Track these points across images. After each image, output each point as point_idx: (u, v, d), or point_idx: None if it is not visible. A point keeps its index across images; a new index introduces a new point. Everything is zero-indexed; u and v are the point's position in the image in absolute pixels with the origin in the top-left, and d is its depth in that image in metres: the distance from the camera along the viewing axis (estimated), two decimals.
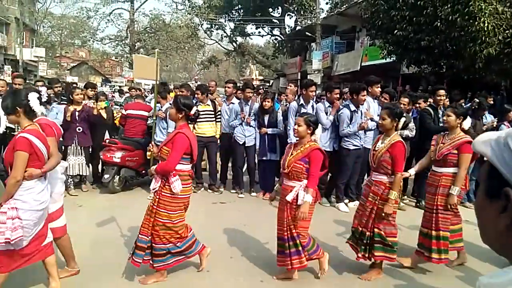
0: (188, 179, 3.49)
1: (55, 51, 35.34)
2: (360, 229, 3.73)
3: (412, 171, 4.11)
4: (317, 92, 11.85)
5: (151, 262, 3.46)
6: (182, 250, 3.51)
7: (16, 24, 28.06)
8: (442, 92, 6.24)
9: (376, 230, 3.65)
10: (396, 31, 9.86)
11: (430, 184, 3.97)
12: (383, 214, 3.58)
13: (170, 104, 6.38)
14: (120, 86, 24.04)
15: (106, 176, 6.28)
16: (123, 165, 6.32)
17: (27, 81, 7.17)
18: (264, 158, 6.48)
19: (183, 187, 3.38)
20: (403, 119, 3.66)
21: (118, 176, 6.37)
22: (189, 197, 3.53)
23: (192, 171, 3.63)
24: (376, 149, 3.71)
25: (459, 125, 3.87)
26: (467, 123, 3.94)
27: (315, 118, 3.68)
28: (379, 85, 6.22)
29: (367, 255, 3.72)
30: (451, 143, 3.83)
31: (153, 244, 3.41)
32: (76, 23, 33.08)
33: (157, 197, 3.39)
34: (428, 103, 6.56)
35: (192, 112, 3.48)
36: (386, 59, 12.02)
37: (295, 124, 3.58)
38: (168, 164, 3.32)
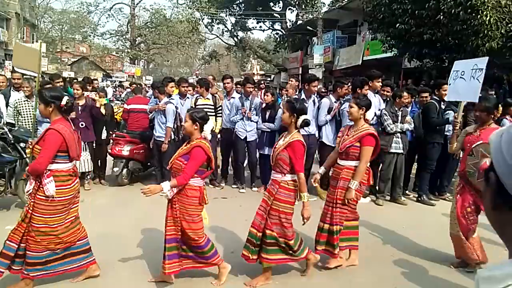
0: (68, 179, 3.18)
1: (55, 46, 35.28)
2: (254, 231, 3.46)
3: (321, 169, 3.99)
4: (319, 86, 11.83)
5: (24, 272, 3.12)
6: (63, 255, 3.24)
7: (17, 19, 28.04)
8: (446, 86, 6.20)
9: (267, 231, 3.38)
10: (398, 24, 9.79)
11: (333, 177, 3.83)
12: (279, 215, 3.36)
13: (168, 98, 6.40)
14: (120, 81, 24.02)
15: (115, 169, 6.48)
16: (131, 158, 6.54)
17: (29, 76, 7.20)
18: (262, 152, 6.48)
19: (59, 189, 3.09)
20: (303, 117, 3.35)
21: (126, 169, 6.57)
22: (70, 199, 3.21)
23: (76, 169, 3.33)
24: (276, 146, 3.49)
25: (362, 117, 3.73)
26: (370, 114, 3.79)
27: (203, 113, 3.39)
28: (380, 79, 6.20)
29: (255, 257, 3.47)
30: (354, 135, 3.72)
31: (27, 252, 3.10)
32: (76, 18, 32.99)
33: (32, 200, 3.09)
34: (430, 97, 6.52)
35: (63, 102, 3.16)
36: (387, 53, 11.96)
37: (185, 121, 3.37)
38: (37, 164, 3.02)
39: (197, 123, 3.28)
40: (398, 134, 5.84)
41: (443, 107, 6.08)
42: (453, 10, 8.33)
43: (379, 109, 6.01)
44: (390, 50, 11.52)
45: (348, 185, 3.65)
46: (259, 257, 3.48)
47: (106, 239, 4.32)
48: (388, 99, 6.34)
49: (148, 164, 7.00)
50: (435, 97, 6.14)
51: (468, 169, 3.64)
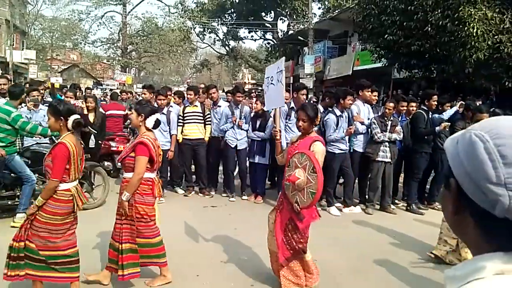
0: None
1: (46, 54, 35.02)
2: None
3: None
4: (309, 96, 11.90)
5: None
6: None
7: (7, 26, 27.79)
8: (435, 97, 6.34)
9: (27, 243, 3.00)
10: (386, 35, 9.94)
11: (120, 192, 3.42)
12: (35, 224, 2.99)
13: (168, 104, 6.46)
14: (111, 89, 23.89)
15: (107, 163, 7.22)
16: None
17: (17, 83, 7.24)
18: (251, 161, 6.48)
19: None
20: (73, 117, 3.05)
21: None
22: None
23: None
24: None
25: (142, 124, 3.39)
26: (150, 121, 3.39)
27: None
28: (369, 89, 6.27)
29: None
30: (130, 145, 3.48)
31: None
32: (67, 26, 32.78)
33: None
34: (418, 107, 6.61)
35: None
36: (376, 63, 12.11)
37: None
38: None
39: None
40: (386, 143, 5.88)
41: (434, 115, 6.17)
42: (440, 22, 8.49)
43: (368, 118, 6.07)
44: (379, 61, 11.67)
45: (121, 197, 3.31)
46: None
47: (97, 246, 4.25)
48: (373, 106, 6.46)
49: None
50: (423, 107, 6.22)
51: (285, 181, 3.27)
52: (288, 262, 3.31)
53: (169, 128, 6.26)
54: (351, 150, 6.07)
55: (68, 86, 9.38)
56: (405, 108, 6.41)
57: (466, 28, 7.97)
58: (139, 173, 3.25)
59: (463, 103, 6.75)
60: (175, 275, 3.69)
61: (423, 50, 9.42)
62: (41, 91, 6.94)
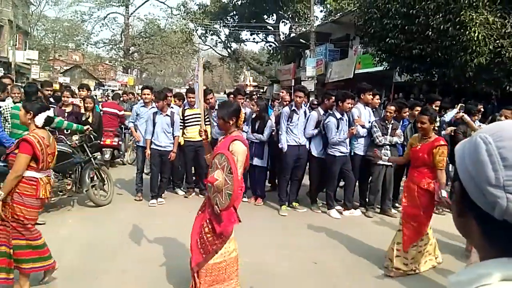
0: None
1: (48, 54, 35.10)
2: None
3: None
4: (311, 99, 11.92)
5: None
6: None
7: (9, 26, 27.89)
8: (438, 102, 6.38)
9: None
10: (388, 39, 9.97)
11: None
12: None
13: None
14: (113, 90, 23.92)
15: (106, 156, 8.00)
16: (116, 147, 8.38)
17: (20, 83, 7.39)
18: (250, 163, 6.46)
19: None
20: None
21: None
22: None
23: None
24: None
25: (32, 122, 3.29)
26: (39, 119, 3.28)
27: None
28: (371, 93, 6.27)
29: None
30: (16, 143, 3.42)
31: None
32: (70, 27, 32.86)
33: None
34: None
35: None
36: (378, 67, 12.11)
37: None
38: None
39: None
40: (387, 147, 5.88)
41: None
42: (442, 26, 8.51)
43: (369, 122, 6.07)
44: (380, 64, 11.68)
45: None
46: None
47: (91, 247, 4.26)
48: (375, 109, 6.46)
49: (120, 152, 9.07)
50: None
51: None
52: (199, 268, 3.14)
53: (172, 130, 6.25)
54: (352, 153, 6.07)
55: (77, 87, 9.54)
56: (407, 113, 6.40)
57: (467, 32, 7.99)
58: (16, 170, 3.11)
59: (463, 105, 6.76)
60: (175, 276, 3.70)
61: (424, 54, 9.44)
62: (48, 92, 6.99)
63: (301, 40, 23.43)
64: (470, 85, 9.35)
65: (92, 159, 5.83)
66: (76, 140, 5.71)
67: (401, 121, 6.37)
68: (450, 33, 8.40)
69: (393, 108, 5.99)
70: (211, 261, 3.10)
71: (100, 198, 5.92)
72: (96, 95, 17.88)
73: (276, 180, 7.02)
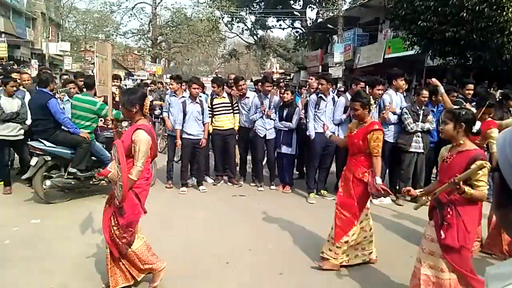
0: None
1: (79, 45, 36.06)
2: None
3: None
4: (338, 85, 11.74)
5: None
6: None
7: (42, 19, 28.78)
8: (471, 86, 6.14)
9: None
10: (420, 22, 9.65)
11: None
12: None
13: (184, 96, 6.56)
14: (142, 80, 24.35)
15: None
16: None
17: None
18: (278, 151, 6.48)
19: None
20: None
21: None
22: None
23: None
24: None
25: None
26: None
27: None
28: (402, 78, 6.11)
29: None
30: None
31: None
32: (100, 18, 33.62)
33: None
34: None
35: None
36: (409, 51, 11.78)
37: None
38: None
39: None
40: (419, 134, 5.74)
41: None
42: (477, 7, 8.16)
43: (400, 108, 5.93)
44: (412, 48, 11.35)
45: None
46: None
47: None
48: (405, 94, 6.30)
49: None
50: (460, 96, 6.02)
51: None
52: (124, 258, 3.12)
53: (203, 117, 6.31)
54: None
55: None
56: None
57: (504, 13, 7.64)
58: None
59: (500, 91, 6.49)
60: (205, 263, 3.79)
61: (458, 37, 9.09)
62: (81, 84, 7.23)
63: (328, 25, 23.01)
64: (506, 68, 8.96)
65: None
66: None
67: (436, 106, 6.18)
68: (486, 14, 8.04)
69: (426, 92, 5.82)
70: (133, 248, 3.09)
71: None
72: (125, 85, 18.25)
73: (304, 168, 7.01)
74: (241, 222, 4.93)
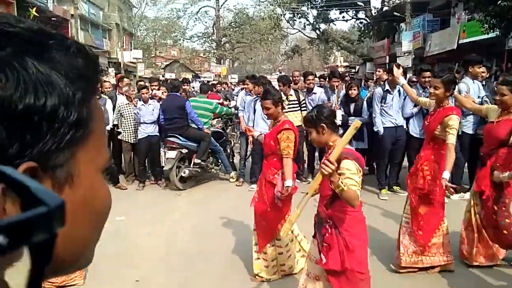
0: None
1: (150, 52, 38.18)
2: None
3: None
4: (408, 75, 11.21)
5: None
6: None
7: (117, 29, 30.89)
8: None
9: None
10: (499, 1, 8.89)
11: None
12: None
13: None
14: (208, 81, 25.22)
15: None
16: None
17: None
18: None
19: None
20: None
21: None
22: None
23: None
24: None
25: None
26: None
27: None
28: (481, 65, 5.70)
29: None
30: None
31: None
32: (167, 24, 35.31)
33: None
34: None
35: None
36: (487, 34, 10.90)
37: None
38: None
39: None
40: None
41: None
42: None
43: (478, 96, 5.54)
44: (491, 31, 10.49)
45: None
46: None
47: (200, 229, 4.62)
48: (484, 82, 5.85)
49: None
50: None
51: None
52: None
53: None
54: (459, 132, 5.61)
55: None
56: None
57: None
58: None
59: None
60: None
61: None
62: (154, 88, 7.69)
63: (395, 13, 22.01)
64: None
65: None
66: (220, 124, 6.90)
67: None
68: None
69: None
70: None
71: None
72: (193, 87, 18.99)
73: (374, 163, 6.82)
74: (310, 218, 4.92)
